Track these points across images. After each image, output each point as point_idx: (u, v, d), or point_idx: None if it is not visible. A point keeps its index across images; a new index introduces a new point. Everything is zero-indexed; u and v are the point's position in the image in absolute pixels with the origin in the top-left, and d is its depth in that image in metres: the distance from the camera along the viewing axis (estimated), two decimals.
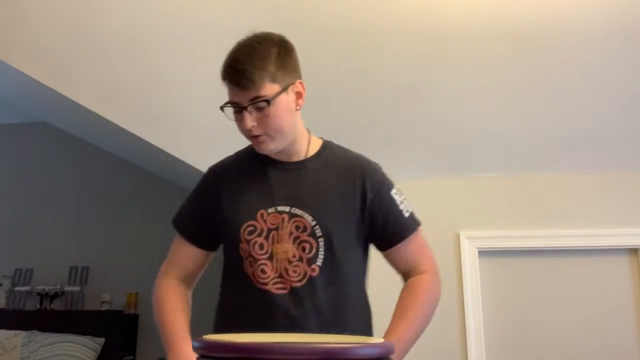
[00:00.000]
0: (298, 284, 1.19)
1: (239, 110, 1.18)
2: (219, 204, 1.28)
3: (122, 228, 4.33)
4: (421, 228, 1.33)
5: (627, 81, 2.49)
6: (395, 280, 1.33)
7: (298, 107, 1.23)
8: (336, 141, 1.37)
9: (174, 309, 1.25)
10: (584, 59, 2.41)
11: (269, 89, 1.16)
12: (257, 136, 1.20)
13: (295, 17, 2.21)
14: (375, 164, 1.33)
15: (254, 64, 1.15)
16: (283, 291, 1.18)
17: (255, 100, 1.15)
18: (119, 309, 4.05)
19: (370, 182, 1.27)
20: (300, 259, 1.20)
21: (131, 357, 4.03)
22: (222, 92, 1.20)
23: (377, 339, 0.83)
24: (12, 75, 2.42)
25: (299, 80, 1.23)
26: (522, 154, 2.87)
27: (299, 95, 1.23)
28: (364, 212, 1.25)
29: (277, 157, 1.28)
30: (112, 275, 4.22)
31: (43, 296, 4.06)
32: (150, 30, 2.36)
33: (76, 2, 2.26)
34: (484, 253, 2.92)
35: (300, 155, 1.29)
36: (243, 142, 1.41)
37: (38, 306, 4.06)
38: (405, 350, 1.17)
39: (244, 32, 1.24)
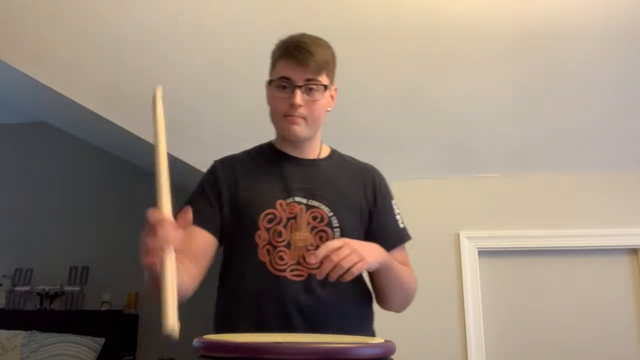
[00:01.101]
0: (315, 271, 1.20)
1: (290, 87, 1.24)
2: (233, 192, 1.29)
3: (122, 228, 4.32)
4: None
5: (627, 81, 2.49)
6: None
7: (329, 109, 1.33)
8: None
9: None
10: (584, 59, 2.41)
11: (324, 79, 1.27)
12: (295, 117, 1.25)
13: (296, 18, 2.21)
14: (382, 174, 1.42)
15: (321, 51, 1.26)
16: (300, 278, 1.21)
17: (311, 81, 1.24)
18: (119, 309, 4.05)
19: (380, 188, 1.37)
20: (317, 248, 1.21)
21: (131, 357, 4.03)
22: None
23: (377, 339, 0.83)
24: (12, 75, 2.42)
25: (335, 86, 1.33)
26: (522, 154, 2.87)
27: (332, 98, 1.34)
28: (371, 214, 1.33)
29: (292, 153, 1.34)
30: (112, 275, 4.22)
31: (43, 296, 4.06)
32: (150, 30, 2.36)
33: (76, 2, 2.26)
34: (484, 253, 2.92)
35: (314, 155, 1.36)
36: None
37: (38, 306, 4.06)
38: (384, 264, 1.19)
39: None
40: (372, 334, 1.30)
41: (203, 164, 1.39)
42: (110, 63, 2.51)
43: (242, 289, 1.24)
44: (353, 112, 2.62)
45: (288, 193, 1.27)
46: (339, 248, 1.07)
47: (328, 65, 1.27)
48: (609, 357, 2.75)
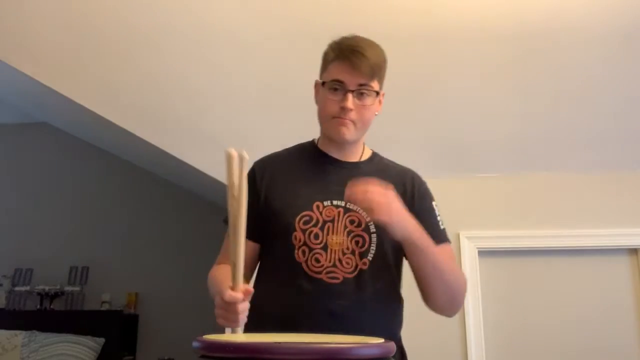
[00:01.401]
0: (350, 275, 1.22)
1: (342, 90, 1.25)
2: (271, 192, 1.30)
3: (122, 228, 4.32)
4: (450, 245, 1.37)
5: (627, 81, 2.49)
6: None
7: (377, 113, 1.33)
8: None
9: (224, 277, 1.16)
10: (584, 59, 2.41)
11: (375, 84, 1.27)
12: (345, 119, 1.26)
13: (297, 22, 2.21)
14: (421, 177, 1.43)
15: (375, 56, 1.25)
16: (336, 281, 1.21)
17: (364, 86, 1.25)
18: (119, 309, 4.06)
19: (419, 190, 1.38)
20: (353, 252, 1.23)
21: (131, 357, 4.03)
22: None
23: (377, 339, 0.83)
24: (12, 75, 2.42)
25: (383, 91, 1.32)
26: (522, 154, 2.87)
27: (380, 103, 1.33)
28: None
29: (335, 155, 1.35)
30: (112, 275, 4.22)
31: (43, 296, 4.06)
32: (150, 31, 2.36)
33: (76, 3, 2.26)
34: (484, 253, 2.92)
35: (356, 158, 1.37)
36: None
37: (38, 306, 4.06)
38: (411, 240, 1.18)
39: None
40: (399, 339, 1.30)
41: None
42: (110, 63, 2.52)
43: (277, 287, 1.24)
44: None
45: (325, 195, 1.27)
46: (377, 192, 1.10)
47: (381, 70, 1.27)
48: (608, 357, 2.75)
